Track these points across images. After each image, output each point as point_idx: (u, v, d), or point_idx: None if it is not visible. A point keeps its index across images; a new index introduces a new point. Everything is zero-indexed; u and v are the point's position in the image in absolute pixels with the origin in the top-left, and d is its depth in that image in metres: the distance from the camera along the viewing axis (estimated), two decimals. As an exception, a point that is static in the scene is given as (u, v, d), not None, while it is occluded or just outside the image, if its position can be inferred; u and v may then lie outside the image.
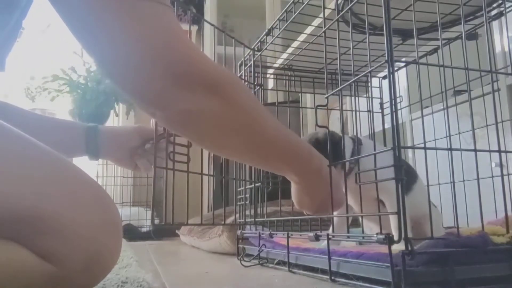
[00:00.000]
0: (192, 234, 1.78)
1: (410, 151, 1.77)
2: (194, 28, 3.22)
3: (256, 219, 1.16)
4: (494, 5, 0.99)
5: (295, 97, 1.82)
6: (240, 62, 1.31)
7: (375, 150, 0.74)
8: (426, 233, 0.75)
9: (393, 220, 0.81)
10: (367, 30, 0.73)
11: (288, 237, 0.96)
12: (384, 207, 0.87)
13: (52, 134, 0.84)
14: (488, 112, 0.98)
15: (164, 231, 2.53)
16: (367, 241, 0.83)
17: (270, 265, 1.05)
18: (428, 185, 0.76)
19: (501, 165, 0.74)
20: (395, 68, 0.81)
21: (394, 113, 0.65)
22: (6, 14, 0.60)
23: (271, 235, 1.07)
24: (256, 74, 1.25)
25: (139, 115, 2.93)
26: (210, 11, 2.98)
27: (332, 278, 0.78)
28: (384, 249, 0.65)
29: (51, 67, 2.52)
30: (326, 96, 0.85)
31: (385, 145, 0.88)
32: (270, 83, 1.45)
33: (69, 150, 0.88)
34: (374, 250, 0.74)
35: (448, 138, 0.74)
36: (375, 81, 1.37)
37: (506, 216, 0.74)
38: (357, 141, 0.94)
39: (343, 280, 0.76)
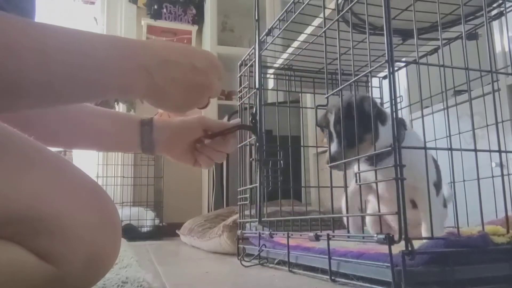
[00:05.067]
0: (192, 234, 1.78)
1: (410, 151, 1.77)
2: (194, 28, 3.22)
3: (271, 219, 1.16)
4: (494, 5, 0.99)
5: (295, 97, 1.82)
6: (240, 62, 1.31)
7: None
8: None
9: (424, 221, 0.81)
10: (367, 30, 0.73)
11: (288, 237, 0.96)
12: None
13: (105, 127, 0.76)
14: (488, 112, 0.98)
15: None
16: (368, 241, 0.82)
17: (270, 265, 1.05)
18: (428, 185, 0.75)
19: (501, 165, 0.74)
20: (395, 68, 0.81)
21: (394, 113, 0.65)
22: None
23: (271, 235, 1.07)
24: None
25: (140, 115, 2.93)
26: (210, 11, 2.98)
27: (332, 278, 0.78)
28: (384, 248, 0.65)
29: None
30: (326, 96, 0.85)
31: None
32: (270, 83, 1.45)
33: (122, 145, 0.81)
34: (374, 250, 0.74)
35: (448, 138, 0.74)
36: (375, 81, 1.37)
37: (507, 216, 0.73)
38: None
39: (343, 280, 0.76)
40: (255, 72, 0.86)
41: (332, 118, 0.84)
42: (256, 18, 0.99)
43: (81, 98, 0.58)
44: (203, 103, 0.63)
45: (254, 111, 0.87)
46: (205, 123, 0.79)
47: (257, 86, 0.85)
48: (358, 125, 0.75)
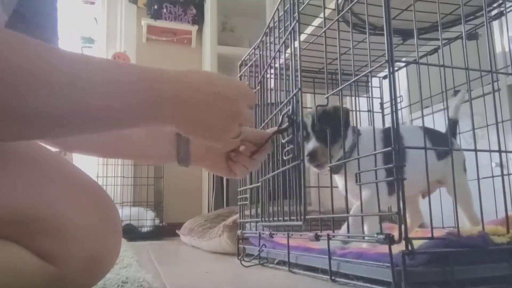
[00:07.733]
0: (193, 234, 1.78)
1: (410, 151, 1.77)
2: (194, 28, 3.22)
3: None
4: (495, 5, 0.99)
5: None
6: (240, 62, 1.31)
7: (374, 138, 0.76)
8: None
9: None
10: (367, 30, 0.73)
11: (288, 237, 0.96)
12: None
13: (141, 139, 0.74)
14: (488, 112, 0.98)
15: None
16: (368, 241, 0.83)
17: (270, 265, 1.05)
18: (428, 185, 0.76)
19: (501, 165, 0.74)
20: (396, 68, 0.81)
21: (394, 113, 0.65)
22: None
23: (271, 235, 1.07)
24: (256, 74, 1.25)
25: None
26: (210, 11, 2.98)
27: (333, 278, 0.78)
28: (384, 248, 0.65)
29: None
30: (326, 96, 0.85)
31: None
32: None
33: (158, 156, 0.79)
34: (374, 250, 0.74)
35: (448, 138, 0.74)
36: (375, 81, 1.37)
37: (507, 216, 0.73)
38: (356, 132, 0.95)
39: (343, 280, 0.76)
40: (292, 72, 0.87)
41: (309, 121, 0.93)
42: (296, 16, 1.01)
43: (112, 126, 0.55)
44: (235, 132, 0.62)
45: (290, 112, 0.86)
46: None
47: (298, 86, 0.85)
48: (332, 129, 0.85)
